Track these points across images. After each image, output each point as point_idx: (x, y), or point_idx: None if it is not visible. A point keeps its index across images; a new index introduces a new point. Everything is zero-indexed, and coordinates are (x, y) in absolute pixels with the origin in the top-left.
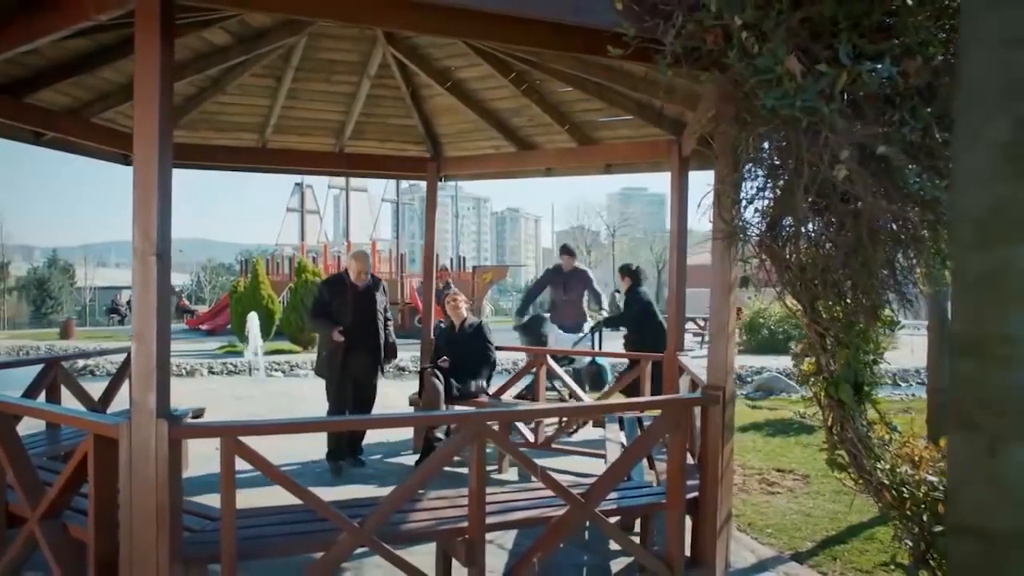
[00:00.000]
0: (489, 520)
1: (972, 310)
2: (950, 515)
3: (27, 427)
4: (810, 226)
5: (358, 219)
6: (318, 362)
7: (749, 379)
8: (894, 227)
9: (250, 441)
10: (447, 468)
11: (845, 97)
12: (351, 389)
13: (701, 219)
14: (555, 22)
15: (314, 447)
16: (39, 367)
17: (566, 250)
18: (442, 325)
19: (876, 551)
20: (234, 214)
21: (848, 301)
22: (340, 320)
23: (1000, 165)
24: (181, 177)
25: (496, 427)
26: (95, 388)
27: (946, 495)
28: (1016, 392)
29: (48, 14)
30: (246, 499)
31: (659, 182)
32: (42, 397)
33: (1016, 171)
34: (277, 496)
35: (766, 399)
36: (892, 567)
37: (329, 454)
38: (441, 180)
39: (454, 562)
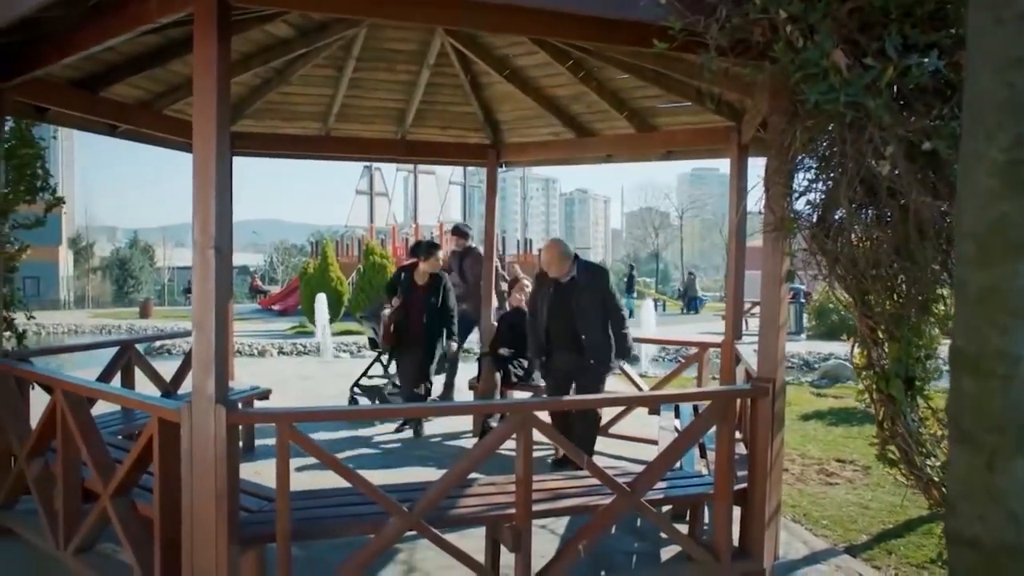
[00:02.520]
0: (536, 507)
1: (972, 326)
2: (949, 525)
3: (108, 405)
4: (861, 219)
5: (426, 201)
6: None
7: (816, 365)
8: (946, 221)
9: None
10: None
11: (894, 90)
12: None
13: (756, 205)
14: (603, 17)
15: None
16: (115, 349)
17: (456, 231)
18: (507, 308)
19: (934, 546)
20: (307, 195)
21: (898, 296)
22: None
23: (1001, 183)
24: (253, 161)
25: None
26: (170, 367)
27: (946, 506)
28: (1014, 408)
29: (117, 17)
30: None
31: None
32: (117, 378)
33: (1016, 189)
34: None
35: (831, 387)
36: (941, 564)
37: None
38: (501, 167)
39: (503, 547)
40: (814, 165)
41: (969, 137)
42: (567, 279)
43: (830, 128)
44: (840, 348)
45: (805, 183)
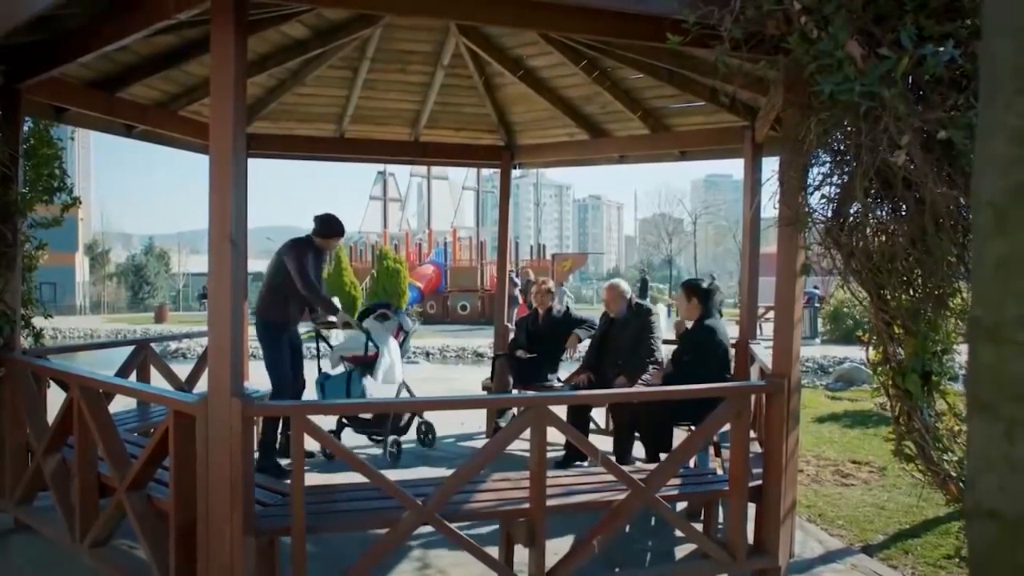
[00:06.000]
0: (550, 502)
1: (991, 296)
2: (968, 500)
3: (123, 404)
4: (877, 212)
5: (440, 207)
6: None
7: (830, 369)
8: (962, 212)
9: None
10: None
11: (910, 80)
12: None
13: (767, 205)
14: (618, 11)
15: None
16: (131, 348)
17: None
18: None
19: (951, 546)
20: (321, 202)
21: (914, 289)
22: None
23: (1020, 150)
24: (269, 166)
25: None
26: (185, 369)
27: (966, 478)
28: None
29: (134, 14)
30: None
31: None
32: (133, 376)
33: None
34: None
35: (847, 390)
36: (958, 560)
37: None
38: (515, 168)
39: (517, 543)
40: (828, 160)
41: (987, 106)
42: (619, 316)
43: (845, 123)
44: (855, 352)
45: (820, 178)
